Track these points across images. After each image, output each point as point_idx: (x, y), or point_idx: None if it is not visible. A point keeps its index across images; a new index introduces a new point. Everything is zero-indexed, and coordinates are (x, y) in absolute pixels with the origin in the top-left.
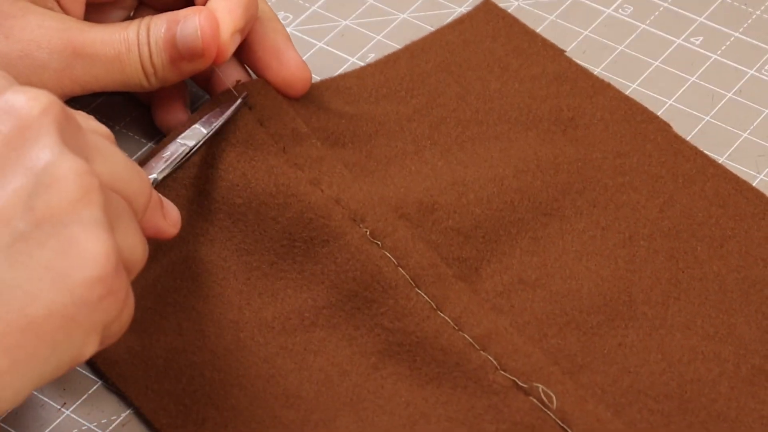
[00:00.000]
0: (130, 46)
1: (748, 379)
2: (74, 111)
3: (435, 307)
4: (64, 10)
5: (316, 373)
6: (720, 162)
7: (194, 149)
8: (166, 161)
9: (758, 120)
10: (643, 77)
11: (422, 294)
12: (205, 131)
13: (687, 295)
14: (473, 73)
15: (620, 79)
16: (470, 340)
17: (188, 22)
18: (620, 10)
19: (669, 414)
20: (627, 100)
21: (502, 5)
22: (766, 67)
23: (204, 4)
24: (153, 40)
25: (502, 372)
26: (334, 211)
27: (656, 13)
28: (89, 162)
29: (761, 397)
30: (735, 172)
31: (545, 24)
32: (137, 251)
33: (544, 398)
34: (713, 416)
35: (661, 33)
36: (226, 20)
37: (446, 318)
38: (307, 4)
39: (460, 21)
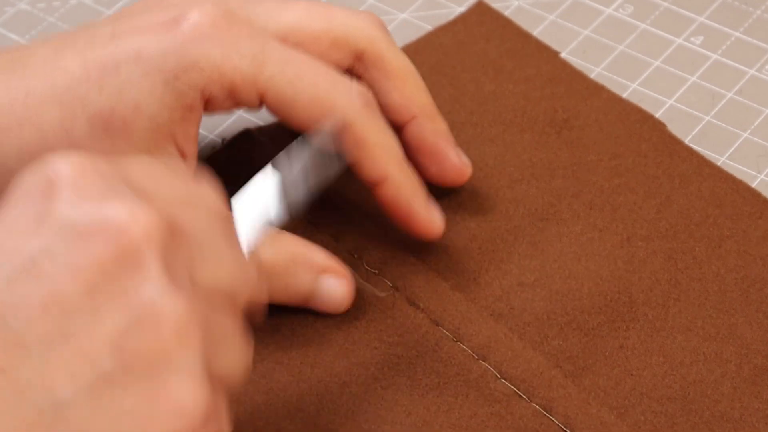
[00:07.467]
0: None
1: (751, 378)
2: (196, 183)
3: (433, 321)
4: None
5: (315, 385)
6: (720, 162)
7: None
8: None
9: (759, 120)
10: (643, 77)
11: (419, 310)
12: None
13: (687, 296)
14: (467, 75)
15: (620, 79)
16: (469, 351)
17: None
18: (620, 10)
19: (673, 416)
20: (621, 101)
21: (501, 5)
22: (766, 67)
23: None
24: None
25: (503, 380)
26: (331, 247)
27: (656, 13)
28: (194, 271)
29: (764, 396)
30: (735, 172)
31: (545, 24)
32: (237, 368)
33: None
34: (717, 417)
35: (661, 33)
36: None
37: (445, 331)
38: None
39: (453, 23)
